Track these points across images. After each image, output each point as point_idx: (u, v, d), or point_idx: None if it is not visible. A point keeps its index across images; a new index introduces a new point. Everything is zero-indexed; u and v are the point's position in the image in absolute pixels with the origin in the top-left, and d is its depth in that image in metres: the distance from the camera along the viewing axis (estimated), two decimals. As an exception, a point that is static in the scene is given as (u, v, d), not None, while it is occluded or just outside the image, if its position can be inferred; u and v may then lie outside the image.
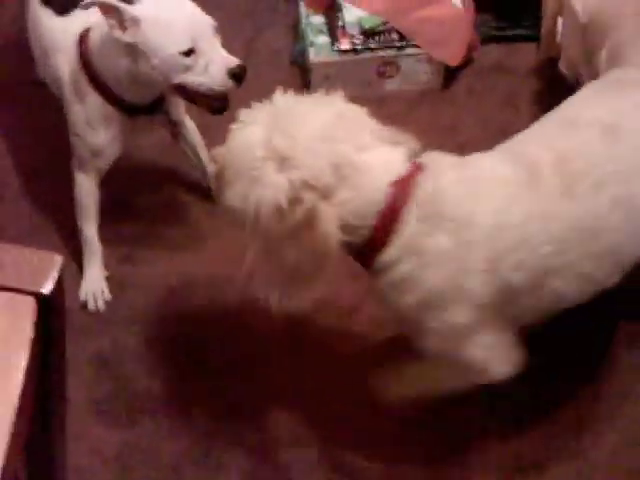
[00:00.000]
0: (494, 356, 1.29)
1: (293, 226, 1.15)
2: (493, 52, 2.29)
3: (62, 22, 1.65)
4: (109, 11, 1.46)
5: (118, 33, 1.47)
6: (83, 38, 1.60)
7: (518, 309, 1.25)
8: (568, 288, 1.25)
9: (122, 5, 1.46)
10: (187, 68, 1.48)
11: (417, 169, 1.22)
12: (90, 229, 1.83)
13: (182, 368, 1.74)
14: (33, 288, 0.82)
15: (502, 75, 2.25)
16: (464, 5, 2.16)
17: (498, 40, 2.31)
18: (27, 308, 0.82)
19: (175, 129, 1.81)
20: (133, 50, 1.49)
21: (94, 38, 1.58)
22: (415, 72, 2.15)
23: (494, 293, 1.20)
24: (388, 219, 1.18)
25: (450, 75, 2.19)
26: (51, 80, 1.74)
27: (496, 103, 2.18)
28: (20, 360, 0.80)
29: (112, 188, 1.95)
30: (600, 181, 1.22)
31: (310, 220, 1.14)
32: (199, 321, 1.81)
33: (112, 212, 1.96)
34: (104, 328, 1.79)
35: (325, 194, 1.15)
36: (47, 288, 0.84)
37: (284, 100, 1.24)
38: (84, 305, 1.80)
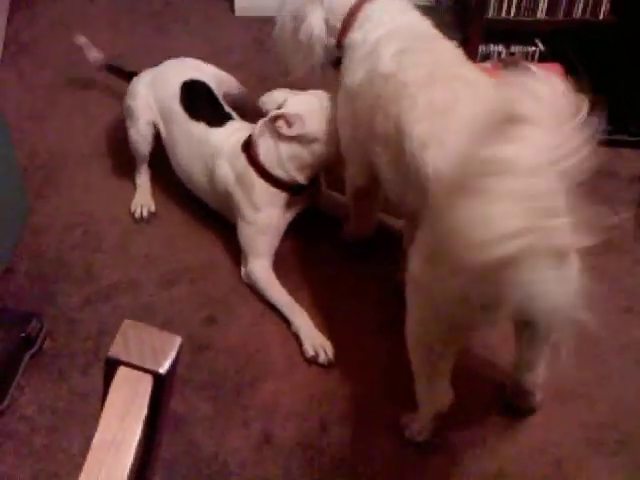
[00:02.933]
0: None
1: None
2: (596, 154, 2.26)
3: (218, 132, 2.02)
4: (278, 118, 1.87)
5: (288, 131, 1.87)
6: (249, 142, 1.95)
7: None
8: None
9: (287, 111, 1.88)
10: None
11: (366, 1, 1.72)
12: (282, 296, 1.94)
13: (250, 440, 1.71)
14: (153, 367, 0.83)
15: (604, 179, 2.21)
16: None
17: (602, 143, 2.28)
18: (145, 386, 0.83)
19: (317, 194, 2.10)
20: (299, 139, 1.90)
21: (260, 139, 1.93)
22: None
23: None
24: (347, 21, 1.74)
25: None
26: (211, 188, 2.03)
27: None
28: (134, 436, 0.80)
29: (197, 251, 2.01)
30: None
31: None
32: (272, 393, 1.79)
33: (200, 273, 2.00)
34: (180, 388, 1.79)
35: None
36: (164, 368, 0.84)
37: None
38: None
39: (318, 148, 1.92)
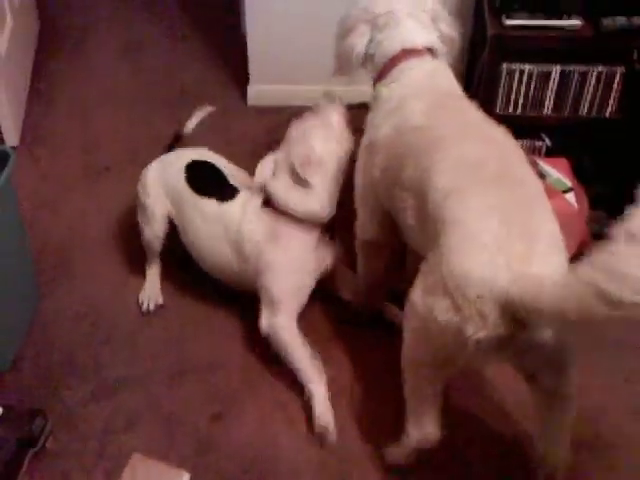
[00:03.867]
0: None
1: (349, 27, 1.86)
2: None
3: (233, 204, 2.03)
4: (307, 164, 1.94)
5: (311, 170, 1.94)
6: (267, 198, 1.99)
7: None
8: None
9: (306, 152, 1.94)
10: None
11: (417, 53, 1.78)
12: (304, 358, 1.91)
13: None
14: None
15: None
16: (578, 202, 2.16)
17: (604, 237, 2.28)
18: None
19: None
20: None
21: (275, 188, 1.97)
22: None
23: None
24: (389, 66, 1.80)
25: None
26: (236, 258, 2.02)
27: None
28: None
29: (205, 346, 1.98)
30: None
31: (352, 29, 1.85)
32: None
33: (207, 368, 1.98)
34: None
35: (374, 24, 1.82)
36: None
37: None
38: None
39: (335, 178, 1.97)
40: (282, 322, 1.93)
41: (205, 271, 2.14)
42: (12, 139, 2.67)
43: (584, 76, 2.21)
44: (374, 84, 1.85)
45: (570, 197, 2.18)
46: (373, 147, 1.78)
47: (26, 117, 2.80)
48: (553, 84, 2.24)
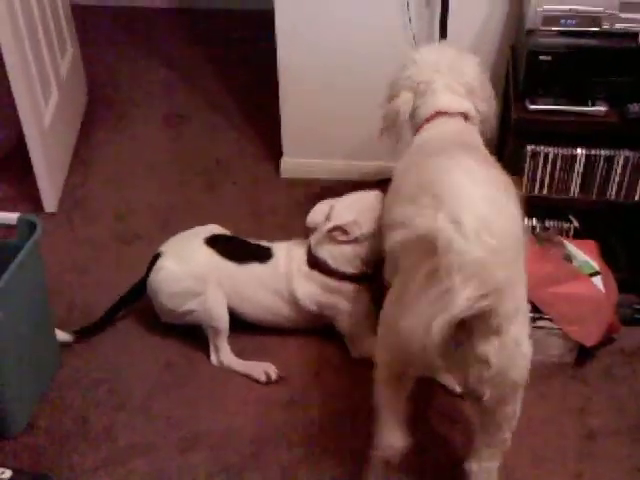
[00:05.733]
0: None
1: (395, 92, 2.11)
2: (634, 336, 2.20)
3: (276, 263, 2.20)
4: (335, 230, 2.12)
5: (347, 237, 2.13)
6: (311, 258, 2.18)
7: None
8: None
9: (344, 221, 2.12)
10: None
11: (450, 115, 2.02)
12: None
13: None
14: None
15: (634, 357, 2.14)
16: (605, 286, 2.12)
17: (633, 322, 2.22)
18: None
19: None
20: (357, 239, 2.14)
21: (322, 251, 2.17)
22: (547, 345, 2.09)
23: None
24: (424, 123, 2.04)
25: (586, 352, 2.11)
26: (294, 311, 2.21)
27: (635, 391, 2.06)
28: None
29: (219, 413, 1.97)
30: None
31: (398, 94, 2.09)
32: None
33: (219, 438, 1.96)
34: None
35: (415, 91, 2.06)
36: None
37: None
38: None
39: (375, 241, 2.11)
40: (368, 345, 2.01)
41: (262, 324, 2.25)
42: (51, 206, 2.76)
43: (610, 160, 2.19)
44: (413, 137, 2.09)
45: (597, 281, 2.14)
46: (394, 183, 1.97)
47: (66, 184, 2.90)
48: (579, 167, 2.23)
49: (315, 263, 2.17)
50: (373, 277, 2.18)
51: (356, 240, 2.14)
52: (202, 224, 2.65)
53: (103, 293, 2.43)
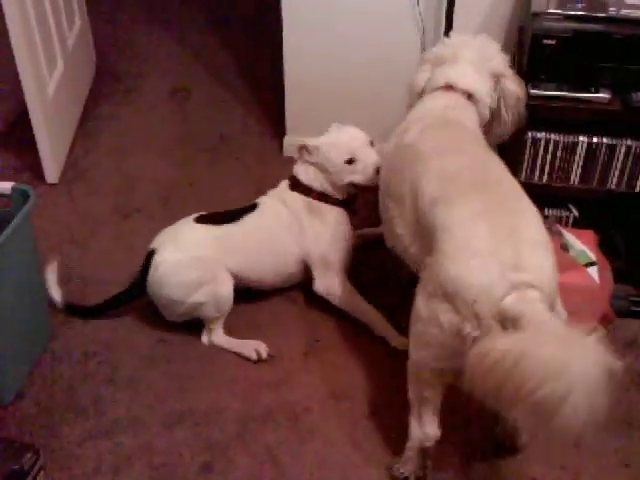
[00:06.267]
0: None
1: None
2: (630, 327, 2.17)
3: (267, 205, 2.31)
4: (302, 149, 2.29)
5: (308, 158, 2.28)
6: (294, 182, 2.32)
7: None
8: None
9: (307, 141, 2.28)
10: (352, 171, 2.25)
11: (452, 90, 2.01)
12: (363, 304, 2.24)
13: None
14: None
15: (637, 353, 2.11)
16: (601, 277, 2.08)
17: (636, 315, 2.19)
18: None
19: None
20: (321, 167, 2.27)
21: (301, 172, 2.32)
22: (539, 335, 2.06)
23: None
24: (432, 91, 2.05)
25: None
26: (298, 246, 2.28)
27: (627, 385, 2.04)
28: None
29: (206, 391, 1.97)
30: None
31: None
32: None
33: (205, 416, 1.97)
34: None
35: (435, 63, 2.08)
36: None
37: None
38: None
39: (338, 176, 2.26)
40: (338, 282, 2.23)
41: (265, 287, 2.30)
42: (52, 176, 2.77)
43: (612, 149, 2.15)
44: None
45: (592, 271, 2.10)
46: (385, 158, 2.05)
47: (69, 156, 2.91)
48: (580, 155, 2.19)
49: (295, 183, 2.31)
50: (351, 207, 2.34)
51: (316, 164, 2.27)
52: (203, 200, 2.67)
53: (100, 266, 2.45)
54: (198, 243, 2.17)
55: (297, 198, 2.30)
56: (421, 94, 2.09)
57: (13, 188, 2.06)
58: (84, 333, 2.23)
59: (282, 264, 2.28)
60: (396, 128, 2.03)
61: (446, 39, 2.13)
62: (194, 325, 2.21)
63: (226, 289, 2.14)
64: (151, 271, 2.14)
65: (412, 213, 1.78)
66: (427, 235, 1.67)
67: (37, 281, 2.16)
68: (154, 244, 2.20)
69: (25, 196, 2.04)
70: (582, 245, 2.18)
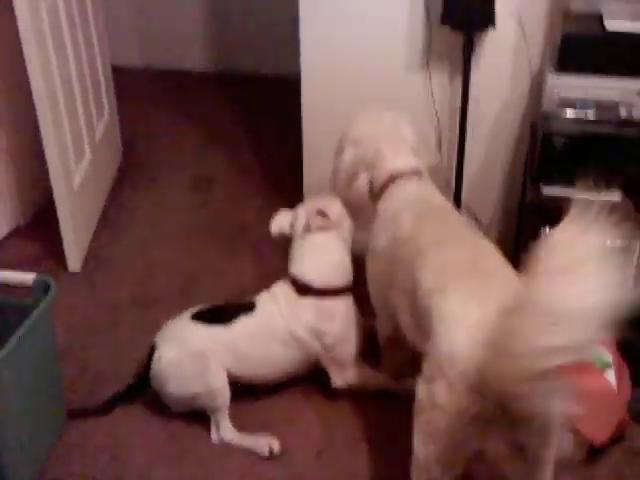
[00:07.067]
0: None
1: (350, 176, 2.21)
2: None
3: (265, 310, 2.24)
4: (319, 213, 2.27)
5: (326, 221, 2.28)
6: (296, 281, 2.26)
7: None
8: None
9: (320, 205, 2.31)
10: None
11: (405, 176, 2.12)
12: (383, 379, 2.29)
13: None
14: None
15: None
16: (618, 381, 2.05)
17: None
18: None
19: None
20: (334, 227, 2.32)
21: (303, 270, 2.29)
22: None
23: None
24: (384, 190, 2.13)
25: (596, 449, 2.03)
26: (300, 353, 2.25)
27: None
28: None
29: None
30: None
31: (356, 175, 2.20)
32: None
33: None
34: None
35: (368, 167, 2.18)
36: None
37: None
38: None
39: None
40: (352, 373, 2.24)
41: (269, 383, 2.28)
42: (74, 265, 2.83)
43: (625, 251, 2.15)
44: (375, 206, 2.17)
45: (610, 375, 2.07)
46: (374, 255, 2.10)
47: (91, 244, 2.97)
48: (595, 254, 2.18)
49: (303, 287, 2.23)
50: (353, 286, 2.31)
51: (334, 227, 2.27)
52: (222, 291, 2.69)
53: (116, 358, 2.46)
54: (193, 340, 2.19)
55: (307, 307, 2.22)
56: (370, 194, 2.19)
57: (35, 280, 2.10)
58: (98, 425, 2.22)
59: (282, 365, 2.25)
60: (379, 217, 2.11)
61: (357, 133, 2.22)
62: (207, 417, 2.20)
63: (219, 382, 2.14)
64: (153, 364, 2.19)
65: (415, 302, 1.81)
66: (426, 324, 1.71)
67: (55, 371, 2.18)
68: (157, 338, 2.24)
69: (46, 287, 2.08)
70: (599, 347, 2.15)
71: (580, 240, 1.37)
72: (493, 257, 1.79)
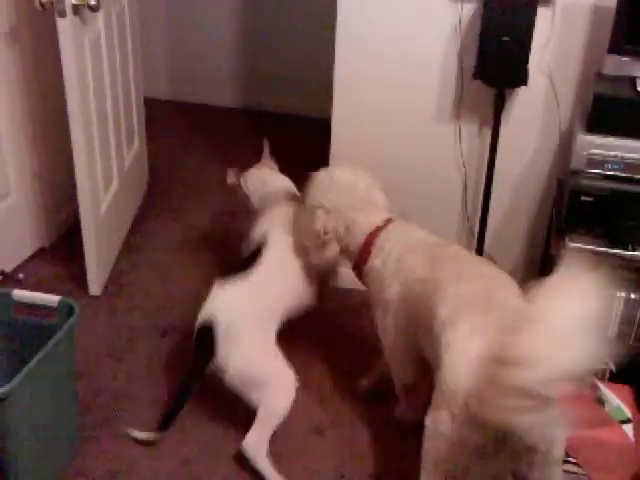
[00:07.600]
0: None
1: (320, 243, 2.26)
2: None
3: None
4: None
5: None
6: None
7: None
8: None
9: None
10: None
11: (382, 227, 2.19)
12: None
13: None
14: None
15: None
16: (636, 435, 2.04)
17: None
18: None
19: None
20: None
21: None
22: (573, 489, 2.01)
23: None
24: (365, 248, 2.20)
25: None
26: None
27: None
28: None
29: None
30: None
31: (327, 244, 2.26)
32: None
33: None
34: None
35: (338, 238, 2.25)
36: None
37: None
38: None
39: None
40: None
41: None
42: (95, 289, 2.85)
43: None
44: (360, 267, 2.22)
45: (628, 428, 2.07)
46: (386, 304, 2.09)
47: (113, 269, 3.01)
48: (617, 309, 2.20)
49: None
50: None
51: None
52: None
53: (131, 383, 2.47)
54: (243, 297, 2.26)
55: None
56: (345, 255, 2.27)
57: (60, 302, 2.13)
58: (110, 449, 2.22)
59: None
60: (385, 268, 2.11)
61: (324, 202, 2.25)
62: (222, 442, 2.19)
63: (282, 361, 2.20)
64: (221, 337, 2.14)
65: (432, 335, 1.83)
66: (437, 354, 1.76)
67: (72, 392, 2.18)
68: (204, 318, 2.20)
69: (70, 309, 2.10)
70: (618, 400, 2.15)
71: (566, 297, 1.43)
72: (508, 289, 1.82)
